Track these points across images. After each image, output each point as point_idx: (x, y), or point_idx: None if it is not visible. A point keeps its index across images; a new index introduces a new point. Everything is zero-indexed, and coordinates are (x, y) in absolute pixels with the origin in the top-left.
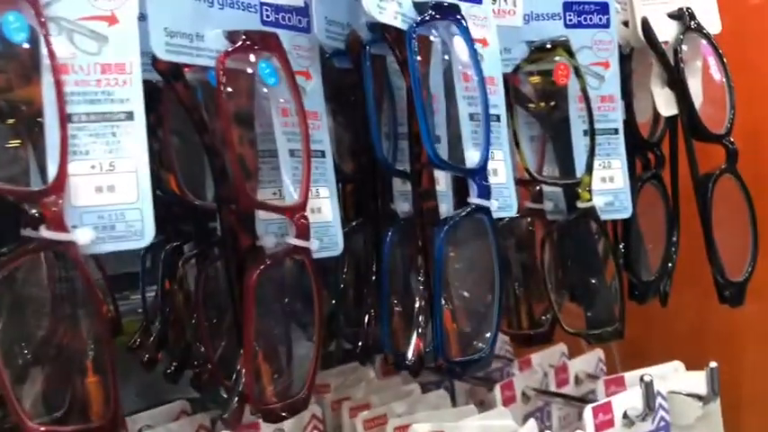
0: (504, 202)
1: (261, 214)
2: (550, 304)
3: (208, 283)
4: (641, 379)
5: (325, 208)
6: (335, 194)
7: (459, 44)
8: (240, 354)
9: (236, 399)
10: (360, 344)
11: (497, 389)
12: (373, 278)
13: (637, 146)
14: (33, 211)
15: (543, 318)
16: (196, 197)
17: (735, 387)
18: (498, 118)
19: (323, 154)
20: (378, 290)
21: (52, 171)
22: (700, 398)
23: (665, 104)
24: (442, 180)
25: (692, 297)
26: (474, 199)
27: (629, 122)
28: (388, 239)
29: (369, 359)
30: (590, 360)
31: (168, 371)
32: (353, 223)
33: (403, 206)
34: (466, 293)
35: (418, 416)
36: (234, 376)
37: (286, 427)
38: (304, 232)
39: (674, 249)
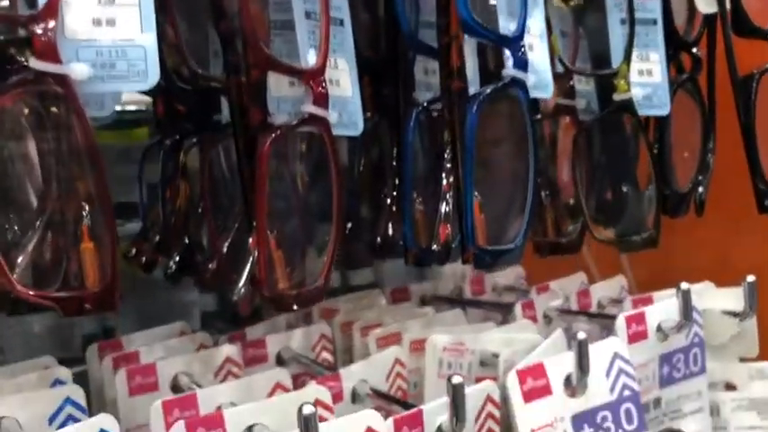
0: (539, 80)
1: (272, 90)
2: (580, 209)
3: (213, 169)
4: (678, 287)
5: (343, 81)
6: (355, 68)
7: None
8: (251, 237)
9: (246, 281)
10: (378, 241)
11: (518, 307)
12: (393, 172)
13: (672, 46)
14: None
15: (571, 225)
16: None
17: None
18: None
19: (341, 22)
20: (399, 181)
21: None
22: (735, 314)
23: (705, 0)
24: (470, 62)
25: (715, 228)
26: (509, 70)
27: (666, 19)
28: (411, 124)
29: (389, 255)
30: (613, 286)
31: (169, 271)
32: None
33: (425, 96)
34: (496, 179)
35: (435, 331)
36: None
37: (294, 345)
38: (322, 100)
39: (710, 156)
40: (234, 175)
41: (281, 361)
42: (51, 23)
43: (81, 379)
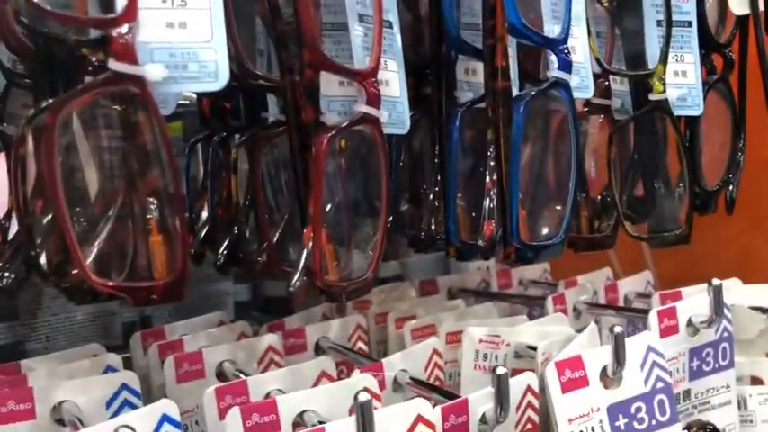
0: (581, 81)
1: (324, 89)
2: (614, 205)
3: (264, 165)
4: (709, 283)
5: (393, 82)
6: (403, 69)
7: None
8: (305, 230)
9: (302, 272)
10: (422, 234)
11: (549, 300)
12: (432, 168)
13: (705, 47)
14: (100, 43)
15: (605, 222)
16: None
17: None
18: None
19: (391, 25)
20: (443, 177)
21: (122, 1)
22: (763, 310)
23: (738, 1)
24: (512, 63)
25: (738, 225)
26: (555, 72)
27: (700, 21)
28: (456, 123)
29: (430, 249)
30: (639, 281)
31: (218, 262)
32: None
33: (466, 95)
34: (539, 176)
35: (469, 324)
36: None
37: (331, 335)
38: (375, 100)
39: (740, 155)
40: (282, 171)
41: (318, 350)
42: (130, 26)
43: (125, 366)
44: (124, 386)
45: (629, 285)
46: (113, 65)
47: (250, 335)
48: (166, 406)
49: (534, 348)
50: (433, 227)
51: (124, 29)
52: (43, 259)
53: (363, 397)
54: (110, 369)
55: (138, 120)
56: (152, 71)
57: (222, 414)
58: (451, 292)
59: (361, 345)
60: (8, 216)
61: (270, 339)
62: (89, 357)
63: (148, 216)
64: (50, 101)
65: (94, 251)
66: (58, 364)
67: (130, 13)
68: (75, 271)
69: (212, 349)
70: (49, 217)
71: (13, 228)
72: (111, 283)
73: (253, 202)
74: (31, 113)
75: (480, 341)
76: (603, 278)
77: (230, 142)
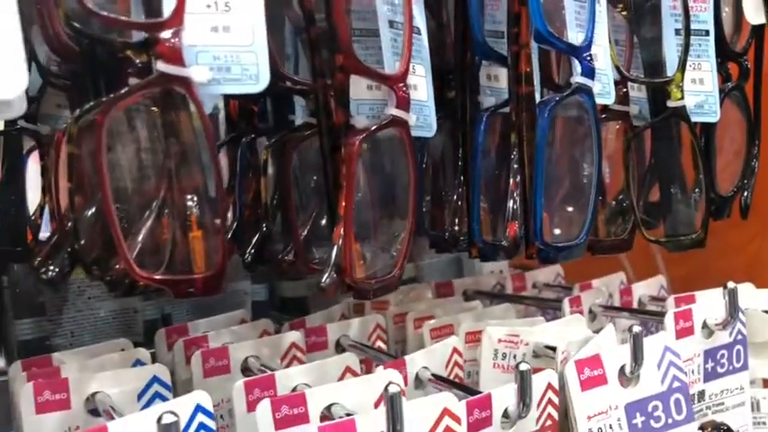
0: (603, 88)
1: (353, 93)
2: (632, 209)
3: (294, 166)
4: (724, 286)
5: (420, 86)
6: (430, 74)
7: None
8: (336, 229)
9: (332, 269)
10: (446, 235)
11: (566, 302)
12: (456, 171)
13: (721, 55)
14: (144, 46)
15: (623, 225)
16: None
17: None
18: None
19: (419, 31)
20: (467, 179)
21: (169, 5)
22: None
23: (755, 11)
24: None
25: (749, 231)
26: (578, 78)
27: (717, 30)
28: (481, 127)
29: (454, 248)
30: (653, 285)
31: (246, 260)
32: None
33: (488, 100)
34: (562, 179)
35: (487, 324)
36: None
37: (351, 333)
38: (404, 104)
39: (755, 162)
40: (311, 172)
41: (339, 348)
42: (177, 30)
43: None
44: (155, 379)
45: (643, 289)
46: (161, 66)
47: (272, 332)
48: (200, 397)
49: (552, 348)
50: (456, 227)
51: (172, 32)
52: (87, 253)
53: (393, 389)
54: (138, 363)
55: (183, 119)
56: (198, 73)
57: (251, 407)
58: (467, 294)
59: (380, 344)
60: (40, 212)
61: (293, 336)
62: (117, 352)
63: (190, 213)
64: (99, 100)
65: (138, 245)
66: (87, 358)
67: (178, 18)
68: (120, 264)
69: (237, 345)
70: (92, 211)
71: (45, 224)
72: (154, 276)
73: (281, 202)
74: (79, 112)
75: (499, 341)
76: (618, 282)
77: (256, 144)
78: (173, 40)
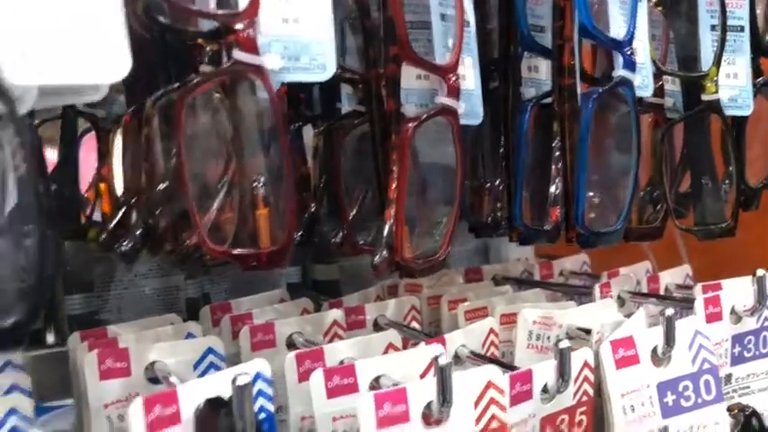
0: (642, 81)
1: (403, 82)
2: (665, 198)
3: (345, 152)
4: (754, 273)
5: (469, 76)
6: (478, 65)
7: None
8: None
9: (383, 248)
10: (489, 219)
11: (597, 288)
12: (497, 158)
13: (754, 51)
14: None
15: (655, 214)
16: None
17: None
18: None
19: (468, 24)
20: (511, 167)
21: None
22: None
23: None
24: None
25: None
26: (619, 71)
27: (752, 26)
28: (526, 116)
29: (495, 233)
30: (678, 274)
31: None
32: None
33: (529, 91)
34: (602, 168)
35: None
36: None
37: (387, 313)
38: (454, 93)
39: None
40: (360, 158)
41: (377, 327)
42: (253, 20)
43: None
44: (210, 350)
45: (669, 278)
46: (238, 54)
47: (311, 311)
48: (260, 365)
49: (584, 330)
50: (499, 213)
51: (247, 22)
52: (161, 227)
53: (443, 360)
54: (189, 335)
55: (254, 104)
56: (271, 61)
57: (301, 377)
58: (496, 280)
59: (415, 324)
60: (96, 192)
61: (335, 314)
62: (168, 325)
63: (258, 193)
64: (177, 84)
65: (210, 221)
66: (141, 330)
67: (254, 8)
68: (193, 238)
69: (283, 321)
70: (165, 189)
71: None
72: (223, 249)
73: (331, 186)
74: (156, 96)
75: (534, 322)
76: (644, 271)
77: (302, 131)
78: (248, 30)
